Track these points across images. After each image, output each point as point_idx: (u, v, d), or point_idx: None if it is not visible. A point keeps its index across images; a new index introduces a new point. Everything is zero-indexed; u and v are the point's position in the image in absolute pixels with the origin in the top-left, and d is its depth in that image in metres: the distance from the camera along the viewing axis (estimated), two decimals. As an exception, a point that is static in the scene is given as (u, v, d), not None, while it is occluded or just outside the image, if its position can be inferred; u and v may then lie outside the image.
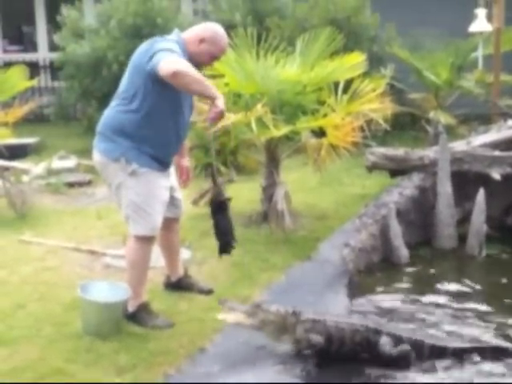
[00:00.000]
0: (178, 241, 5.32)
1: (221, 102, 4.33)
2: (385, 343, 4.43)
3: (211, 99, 4.37)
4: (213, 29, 4.71)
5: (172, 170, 4.99)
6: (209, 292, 5.32)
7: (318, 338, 4.42)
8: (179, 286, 5.36)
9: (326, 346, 4.44)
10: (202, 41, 4.61)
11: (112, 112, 4.72)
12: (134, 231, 4.78)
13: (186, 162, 5.22)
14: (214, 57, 4.73)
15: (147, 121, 4.57)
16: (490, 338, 4.86)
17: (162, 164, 4.73)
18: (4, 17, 15.98)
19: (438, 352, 4.51)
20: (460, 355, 4.52)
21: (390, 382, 4.32)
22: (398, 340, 4.46)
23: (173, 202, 4.99)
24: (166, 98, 4.52)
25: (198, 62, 4.63)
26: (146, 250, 4.81)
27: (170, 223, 5.09)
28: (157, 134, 4.63)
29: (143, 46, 4.60)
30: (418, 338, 4.53)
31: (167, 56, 4.31)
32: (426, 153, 7.21)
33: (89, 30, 11.89)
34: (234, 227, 4.95)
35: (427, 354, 4.49)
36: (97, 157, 4.77)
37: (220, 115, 4.38)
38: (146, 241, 4.77)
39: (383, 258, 6.49)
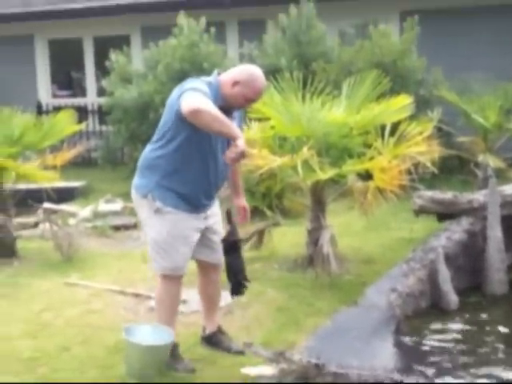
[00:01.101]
0: (216, 292, 5.17)
1: (242, 142, 4.23)
2: None
3: (232, 139, 4.29)
4: (248, 71, 4.64)
5: (213, 212, 4.89)
6: (237, 353, 5.00)
7: None
8: (210, 340, 5.20)
9: None
10: (235, 83, 4.56)
11: (147, 149, 4.74)
12: (155, 269, 4.79)
13: (243, 201, 5.12)
14: (249, 99, 4.65)
15: (175, 159, 4.55)
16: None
17: (193, 205, 4.67)
18: (53, 62, 16.29)
19: None
20: None
21: None
22: None
23: (210, 245, 4.91)
24: (195, 139, 4.47)
25: (232, 104, 4.61)
26: (172, 289, 4.76)
27: (207, 270, 5.04)
28: (185, 173, 4.59)
29: (176, 88, 4.61)
30: None
31: (190, 95, 4.30)
32: (475, 196, 7.09)
33: (136, 75, 12.11)
34: (246, 267, 4.89)
35: None
36: (132, 192, 4.80)
37: (241, 155, 4.26)
38: (169, 280, 4.73)
39: (432, 304, 6.34)
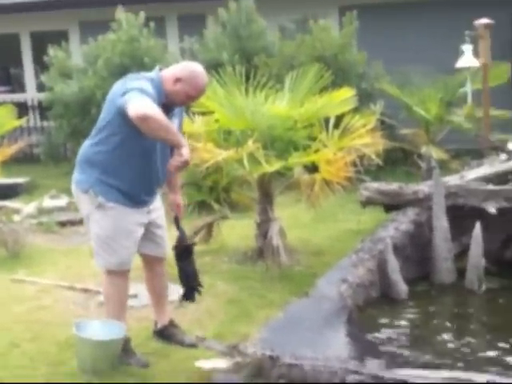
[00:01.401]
0: (163, 285, 5.12)
1: (186, 151, 4.23)
2: (350, 380, 4.27)
3: (177, 147, 4.27)
4: (190, 69, 4.60)
5: (156, 206, 4.85)
6: (190, 346, 4.94)
7: None
8: (162, 334, 5.14)
9: None
10: (177, 80, 4.50)
11: (86, 144, 4.67)
12: (98, 264, 4.75)
13: (178, 199, 5.07)
14: (190, 97, 4.61)
15: (115, 156, 4.50)
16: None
17: (134, 201, 4.62)
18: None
19: None
20: None
21: None
22: (380, 381, 4.28)
23: (154, 239, 4.88)
24: (135, 136, 4.37)
25: (174, 101, 4.57)
26: (118, 284, 4.71)
27: (152, 263, 4.99)
28: (126, 170, 4.54)
29: (118, 83, 4.54)
30: (403, 378, 4.34)
31: (138, 98, 4.22)
32: (420, 187, 7.18)
33: (76, 70, 11.93)
34: (198, 273, 4.89)
35: None
36: (72, 187, 4.72)
37: (184, 164, 4.28)
38: (115, 275, 4.68)
39: (382, 294, 6.40)
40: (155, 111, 4.17)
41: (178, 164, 4.27)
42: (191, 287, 4.84)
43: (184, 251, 4.82)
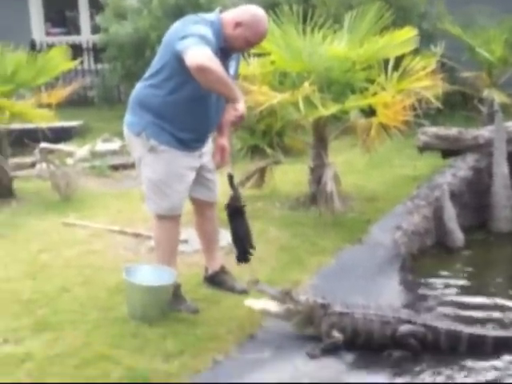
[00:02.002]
0: (213, 230, 5.04)
1: (242, 106, 4.12)
2: (402, 330, 4.23)
3: (232, 101, 4.15)
4: (251, 13, 4.40)
5: (207, 150, 4.75)
6: (241, 292, 4.89)
7: (337, 336, 4.25)
8: (213, 280, 5.09)
9: (350, 339, 4.27)
10: (238, 24, 4.34)
11: (139, 86, 4.56)
12: (149, 209, 4.68)
13: (224, 141, 4.85)
14: (250, 43, 4.45)
15: (170, 99, 4.39)
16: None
17: (186, 144, 4.52)
18: (46, 1, 15.93)
19: (477, 341, 4.25)
20: (501, 345, 4.26)
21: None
22: (433, 331, 4.25)
23: (205, 183, 4.79)
24: (191, 82, 4.24)
25: (233, 46, 4.41)
26: (169, 229, 4.64)
27: (203, 208, 4.92)
28: (180, 114, 4.43)
29: (176, 25, 4.38)
30: (457, 328, 4.28)
31: (197, 46, 4.08)
32: (480, 132, 6.97)
33: (131, 11, 11.82)
34: (251, 233, 4.75)
35: (466, 343, 4.24)
36: (124, 130, 4.64)
37: (240, 119, 4.17)
38: (166, 220, 4.61)
39: (437, 242, 6.27)
40: (213, 63, 4.05)
41: (233, 119, 4.18)
42: (244, 249, 4.72)
43: (237, 211, 4.69)
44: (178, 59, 4.18)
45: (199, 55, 4.04)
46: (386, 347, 4.26)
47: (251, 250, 4.73)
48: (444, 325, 4.32)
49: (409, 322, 4.28)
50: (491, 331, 4.37)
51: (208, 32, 4.23)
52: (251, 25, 4.34)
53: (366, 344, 4.28)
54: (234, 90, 4.17)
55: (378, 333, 4.26)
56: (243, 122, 4.29)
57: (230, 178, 4.71)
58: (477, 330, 4.36)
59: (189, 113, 4.43)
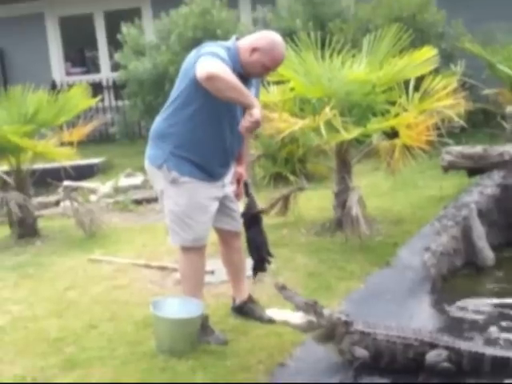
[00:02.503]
0: (239, 259, 4.98)
1: (257, 112, 4.05)
2: (431, 356, 4.12)
3: (248, 107, 4.09)
4: (268, 38, 4.37)
5: (230, 180, 4.71)
6: (270, 321, 4.69)
7: (362, 352, 4.17)
8: (241, 310, 5.03)
9: (373, 360, 4.18)
10: (254, 50, 4.31)
11: (158, 119, 4.54)
12: (173, 242, 4.63)
13: (241, 169, 4.83)
14: (267, 68, 4.40)
15: (189, 127, 4.35)
16: None
17: (209, 174, 4.48)
18: (65, 40, 16.12)
19: (501, 364, 4.12)
20: None
21: None
22: (456, 353, 4.13)
23: (229, 213, 4.74)
24: (208, 106, 4.24)
25: (250, 72, 4.37)
26: (194, 260, 4.59)
27: (228, 238, 4.87)
28: (199, 141, 4.39)
29: (192, 52, 4.38)
30: (479, 351, 4.16)
31: (207, 59, 4.07)
32: (505, 149, 6.89)
33: (149, 47, 11.93)
34: (268, 242, 4.69)
35: (488, 366, 4.12)
36: (145, 163, 4.61)
37: (255, 125, 4.09)
38: (191, 252, 4.56)
39: (467, 262, 6.15)
40: (223, 70, 4.01)
41: (248, 125, 4.09)
42: (261, 258, 4.66)
43: (252, 219, 4.64)
44: (194, 84, 4.17)
45: (208, 66, 4.01)
46: (408, 369, 4.17)
47: (269, 258, 4.67)
48: (467, 346, 4.22)
49: (431, 344, 4.19)
50: None
51: (222, 52, 4.21)
52: (268, 50, 4.31)
53: (389, 365, 4.20)
54: (247, 95, 4.10)
55: (401, 355, 4.18)
56: (258, 128, 4.21)
57: (246, 185, 4.68)
58: (500, 351, 4.24)
59: (208, 138, 4.39)
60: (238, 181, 4.79)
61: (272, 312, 4.34)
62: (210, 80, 3.99)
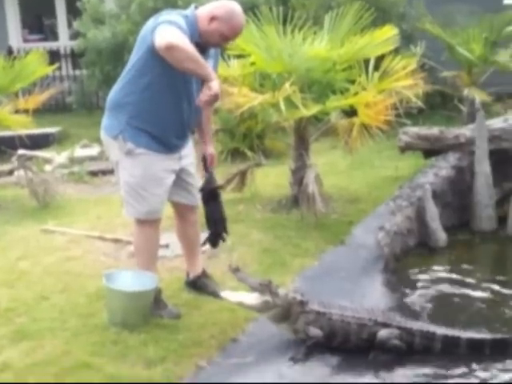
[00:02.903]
0: (195, 234, 4.94)
1: (216, 84, 4.01)
2: (382, 333, 4.20)
3: (206, 80, 4.04)
4: (227, 7, 4.32)
5: (187, 152, 4.67)
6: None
7: (316, 332, 4.22)
8: (195, 285, 5.01)
9: (326, 340, 4.23)
10: (213, 19, 4.26)
11: (115, 88, 4.47)
12: (128, 214, 4.58)
13: (211, 148, 4.85)
14: (225, 37, 4.35)
15: (145, 97, 4.30)
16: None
17: (165, 146, 4.43)
18: (23, 6, 15.80)
19: (451, 343, 4.22)
20: (475, 346, 4.22)
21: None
22: (408, 333, 4.22)
23: (185, 186, 4.70)
24: (166, 75, 4.19)
25: (208, 41, 4.33)
26: (148, 233, 4.56)
27: (184, 211, 4.83)
28: (156, 112, 4.34)
29: (149, 21, 4.30)
30: (430, 330, 4.25)
31: (165, 28, 4.01)
32: (461, 131, 6.94)
33: (109, 15, 11.75)
34: (226, 217, 4.70)
35: (440, 345, 4.22)
36: (101, 134, 4.55)
37: (214, 98, 4.05)
38: (146, 224, 4.53)
39: (420, 242, 6.22)
40: (183, 41, 3.96)
41: (206, 98, 4.05)
42: (216, 232, 4.67)
43: (211, 194, 4.63)
44: (152, 51, 4.11)
45: (167, 35, 3.96)
46: (360, 349, 4.23)
47: (224, 235, 4.67)
48: (418, 326, 4.29)
49: (384, 324, 4.24)
50: (465, 332, 4.31)
51: (180, 20, 4.15)
52: (227, 19, 4.27)
53: (342, 345, 4.25)
54: (206, 68, 4.06)
55: (355, 335, 4.23)
56: (217, 101, 4.16)
57: (204, 160, 4.66)
58: (450, 331, 4.30)
59: (165, 108, 4.35)
60: (211, 162, 4.80)
61: (226, 294, 4.35)
62: (169, 50, 3.94)
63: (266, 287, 4.26)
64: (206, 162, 4.69)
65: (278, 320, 4.31)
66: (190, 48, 3.98)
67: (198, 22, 4.28)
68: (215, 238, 4.69)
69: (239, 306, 4.37)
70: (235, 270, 4.33)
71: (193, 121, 4.57)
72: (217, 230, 4.66)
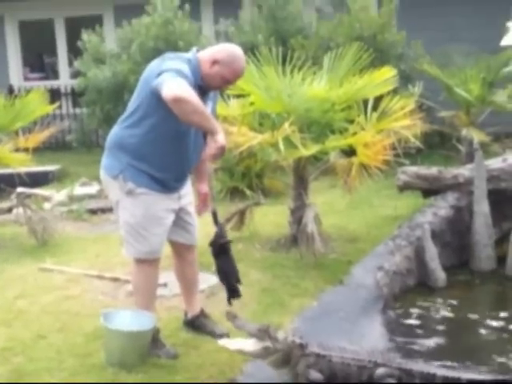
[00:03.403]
0: (193, 273, 4.94)
1: (222, 138, 4.04)
2: (379, 372, 4.16)
3: (211, 133, 4.08)
4: (228, 50, 4.38)
5: (186, 191, 4.67)
6: (221, 336, 4.75)
7: (316, 376, 4.18)
8: (193, 324, 4.98)
9: (327, 382, 4.18)
10: (214, 62, 4.31)
11: (116, 128, 4.49)
12: (128, 254, 4.57)
13: (205, 187, 4.87)
14: (227, 80, 4.39)
15: (149, 138, 4.31)
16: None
17: (165, 186, 4.45)
18: (24, 45, 15.93)
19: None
20: None
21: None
22: (408, 374, 4.17)
23: (184, 226, 4.70)
24: (169, 119, 4.17)
25: (210, 84, 4.37)
26: (148, 273, 4.54)
27: (182, 251, 4.83)
28: (158, 154, 4.35)
29: (154, 62, 4.34)
30: (430, 371, 4.20)
31: (173, 79, 4.03)
32: (460, 171, 6.97)
33: (110, 55, 11.84)
34: (237, 269, 4.67)
35: None
36: (101, 173, 4.55)
37: (221, 151, 4.08)
38: (145, 264, 4.51)
39: (419, 282, 6.22)
40: (190, 94, 3.98)
41: (213, 151, 4.07)
42: (231, 286, 4.63)
43: (222, 248, 4.60)
44: (155, 96, 4.13)
45: (175, 87, 3.97)
46: None
47: (238, 286, 4.64)
48: (419, 367, 4.25)
49: (384, 365, 4.20)
50: (465, 373, 4.27)
51: (185, 67, 4.18)
52: (228, 62, 4.31)
53: None
54: (212, 121, 4.09)
55: (355, 377, 4.19)
56: (224, 153, 4.17)
57: (214, 214, 4.63)
58: (451, 372, 4.27)
59: (167, 151, 4.36)
60: (203, 196, 4.81)
61: (225, 342, 4.33)
62: (176, 102, 3.96)
63: (264, 333, 4.23)
64: (216, 216, 4.65)
65: (279, 365, 4.27)
66: (197, 101, 4.00)
67: (200, 65, 4.33)
68: (233, 293, 4.65)
69: (239, 353, 4.33)
70: (233, 318, 4.32)
71: (193, 162, 4.59)
72: (230, 283, 4.63)
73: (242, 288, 4.62)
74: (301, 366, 4.21)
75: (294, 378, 4.26)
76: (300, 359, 4.23)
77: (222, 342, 4.33)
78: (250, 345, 4.24)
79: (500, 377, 4.29)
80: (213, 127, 4.07)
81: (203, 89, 4.31)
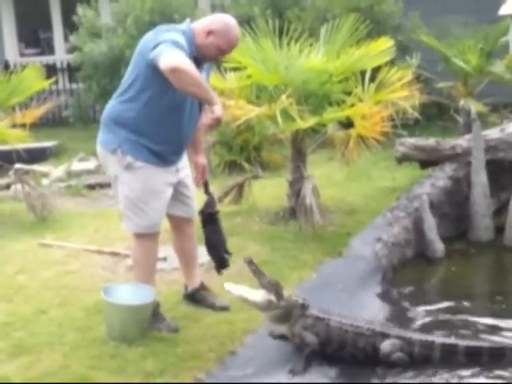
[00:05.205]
0: (192, 247, 4.95)
1: (219, 109, 4.06)
2: (385, 345, 4.22)
3: (209, 104, 4.10)
4: (222, 21, 4.38)
5: (183, 165, 4.68)
6: (222, 309, 4.85)
7: (311, 338, 4.24)
8: (193, 298, 5.00)
9: (321, 347, 4.25)
10: (209, 33, 4.30)
11: (112, 103, 4.47)
12: (127, 228, 4.58)
13: (202, 159, 4.88)
14: (222, 50, 4.39)
15: (145, 112, 4.30)
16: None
17: (163, 160, 4.44)
18: (20, 20, 15.83)
19: (450, 351, 4.24)
20: (473, 354, 4.24)
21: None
22: (407, 342, 4.24)
23: (183, 199, 4.71)
24: (166, 91, 4.19)
25: (205, 55, 4.36)
26: (147, 247, 4.55)
27: (181, 224, 4.83)
28: (155, 127, 4.35)
29: (149, 35, 4.32)
30: (429, 339, 4.27)
31: (170, 49, 4.02)
32: (458, 142, 6.96)
33: (106, 29, 11.77)
34: (225, 240, 4.71)
35: (438, 353, 4.24)
36: (97, 148, 4.54)
37: (217, 122, 4.10)
38: (144, 238, 4.52)
39: (417, 253, 6.23)
40: (188, 64, 3.98)
41: (209, 122, 4.10)
42: (219, 256, 4.68)
43: (210, 217, 4.65)
44: (152, 68, 4.12)
45: (172, 58, 3.98)
46: (355, 358, 4.26)
47: (226, 256, 4.68)
48: (417, 335, 4.32)
49: (382, 334, 4.26)
50: (463, 341, 4.34)
51: (180, 38, 4.17)
52: (223, 32, 4.32)
53: (336, 353, 4.27)
54: (209, 91, 4.10)
55: (351, 343, 4.25)
56: (220, 124, 4.21)
57: (206, 184, 4.68)
58: (448, 339, 4.35)
59: (165, 124, 4.36)
60: (201, 168, 4.82)
61: (230, 286, 4.36)
62: (174, 73, 3.96)
63: (273, 287, 4.28)
64: (207, 186, 4.68)
65: (278, 321, 4.33)
66: (195, 72, 4.00)
67: (195, 36, 4.32)
68: (221, 262, 4.70)
69: (241, 300, 4.38)
70: (249, 262, 4.33)
71: (190, 135, 4.58)
72: (218, 253, 4.66)
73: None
74: (298, 325, 4.27)
75: (290, 337, 4.31)
76: (299, 319, 4.29)
77: (228, 286, 4.37)
78: (255, 295, 4.29)
79: (497, 344, 4.33)
80: (211, 98, 4.08)
81: (198, 60, 4.29)
